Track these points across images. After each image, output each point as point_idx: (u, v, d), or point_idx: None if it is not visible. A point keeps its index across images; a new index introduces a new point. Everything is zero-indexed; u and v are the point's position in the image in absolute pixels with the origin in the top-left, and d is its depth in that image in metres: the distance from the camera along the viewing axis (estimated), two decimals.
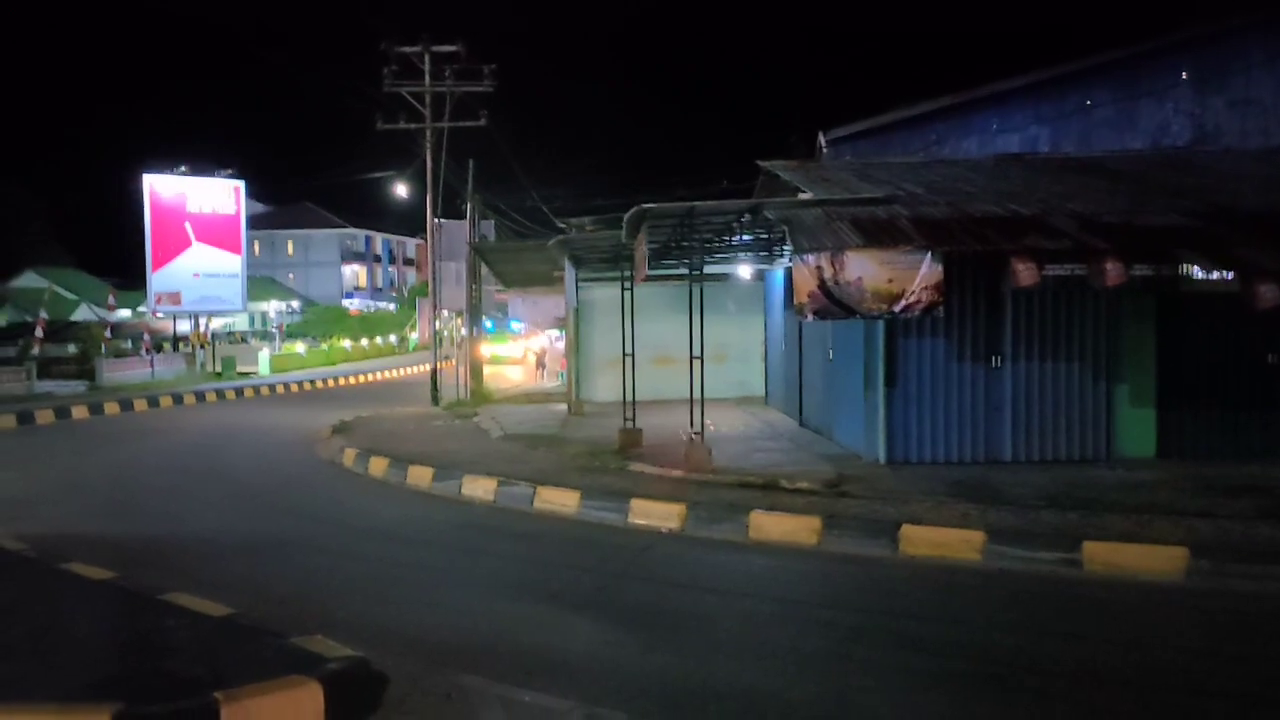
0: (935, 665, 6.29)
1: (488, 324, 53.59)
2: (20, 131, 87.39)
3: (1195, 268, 12.18)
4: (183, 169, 41.69)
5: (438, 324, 30.82)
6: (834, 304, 11.27)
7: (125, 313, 44.73)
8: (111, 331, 37.42)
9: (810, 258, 11.21)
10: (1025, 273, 10.90)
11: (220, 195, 41.92)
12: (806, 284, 11.23)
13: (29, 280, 54.50)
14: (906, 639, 6.91)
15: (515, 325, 48.37)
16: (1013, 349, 13.23)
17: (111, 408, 25.42)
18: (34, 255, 59.13)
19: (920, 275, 11.12)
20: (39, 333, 33.04)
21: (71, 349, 36.85)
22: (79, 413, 24.07)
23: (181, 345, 41.15)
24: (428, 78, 26.88)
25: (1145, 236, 11.80)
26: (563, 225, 24.14)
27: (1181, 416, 13.23)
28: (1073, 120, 18.78)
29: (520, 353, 41.60)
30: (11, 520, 10.69)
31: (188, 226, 40.81)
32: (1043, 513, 10.06)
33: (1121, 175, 14.76)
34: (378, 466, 14.71)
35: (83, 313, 49.32)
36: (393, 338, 61.72)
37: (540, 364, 35.86)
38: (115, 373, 33.15)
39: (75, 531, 10.34)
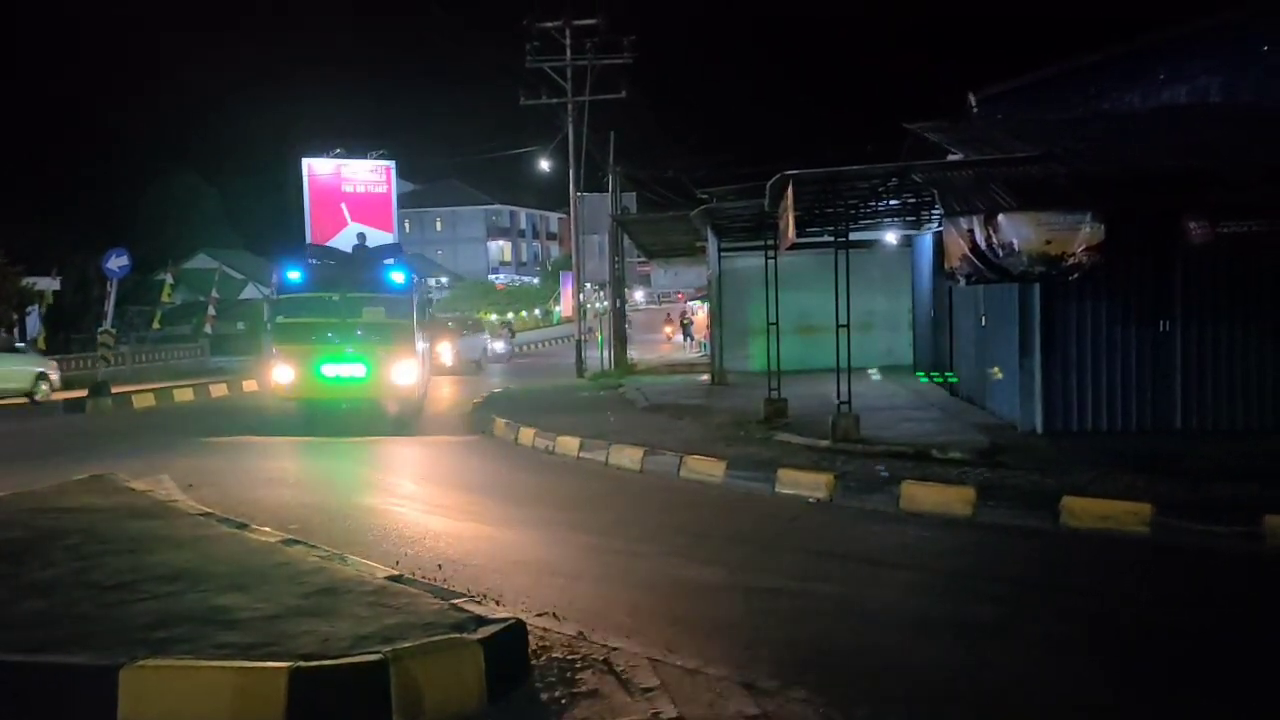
0: (1102, 641, 6.04)
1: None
2: (192, 120, 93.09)
3: None
4: (338, 151, 43.29)
5: (581, 297, 31.28)
6: (987, 268, 10.90)
7: None
8: None
9: (962, 221, 10.85)
10: (1198, 230, 10.28)
11: (372, 175, 43.36)
12: (958, 248, 10.89)
13: (201, 261, 57.71)
14: (1070, 613, 6.65)
15: (368, 313, 17.18)
16: (1184, 312, 12.49)
17: None
18: (206, 238, 62.75)
19: (1081, 236, 10.62)
20: (212, 310, 35.13)
21: (240, 326, 39.06)
22: (248, 385, 25.51)
23: None
24: (569, 52, 27.14)
25: None
26: (704, 195, 24.01)
27: None
28: (1249, 68, 17.46)
29: (410, 378, 17.50)
30: (193, 488, 11.39)
31: (343, 206, 42.41)
32: (1217, 484, 9.49)
33: None
34: (526, 436, 15.04)
35: (249, 291, 52.12)
36: (537, 311, 62.92)
37: (685, 334, 35.94)
38: None
39: (249, 497, 10.94)
